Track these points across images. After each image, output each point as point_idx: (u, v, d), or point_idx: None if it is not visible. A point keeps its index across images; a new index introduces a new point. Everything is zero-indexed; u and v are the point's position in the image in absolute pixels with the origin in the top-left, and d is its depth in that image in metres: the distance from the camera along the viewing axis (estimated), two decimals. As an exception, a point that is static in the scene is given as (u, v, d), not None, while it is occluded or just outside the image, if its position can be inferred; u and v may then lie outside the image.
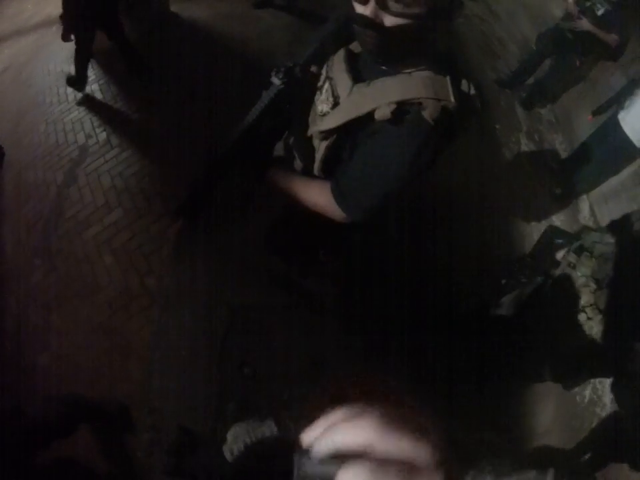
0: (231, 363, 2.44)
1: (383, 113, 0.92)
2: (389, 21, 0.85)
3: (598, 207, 3.35)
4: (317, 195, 1.15)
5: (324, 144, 1.10)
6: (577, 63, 3.39)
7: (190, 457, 1.03)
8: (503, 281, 2.63)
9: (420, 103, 0.91)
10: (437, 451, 0.33)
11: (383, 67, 0.99)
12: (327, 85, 1.08)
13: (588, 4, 3.16)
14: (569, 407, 2.45)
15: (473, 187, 3.21)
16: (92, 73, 3.63)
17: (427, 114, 0.90)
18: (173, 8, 4.08)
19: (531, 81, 3.90)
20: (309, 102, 1.16)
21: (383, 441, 0.32)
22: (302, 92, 1.14)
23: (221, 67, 3.60)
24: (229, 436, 0.61)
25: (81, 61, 3.36)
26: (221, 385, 2.38)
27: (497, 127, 3.78)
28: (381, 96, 0.94)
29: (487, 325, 2.44)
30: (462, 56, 4.20)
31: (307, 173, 1.23)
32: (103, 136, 3.31)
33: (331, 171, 1.15)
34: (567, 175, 3.37)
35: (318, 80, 1.13)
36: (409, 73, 0.96)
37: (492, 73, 4.11)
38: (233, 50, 3.83)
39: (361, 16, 0.86)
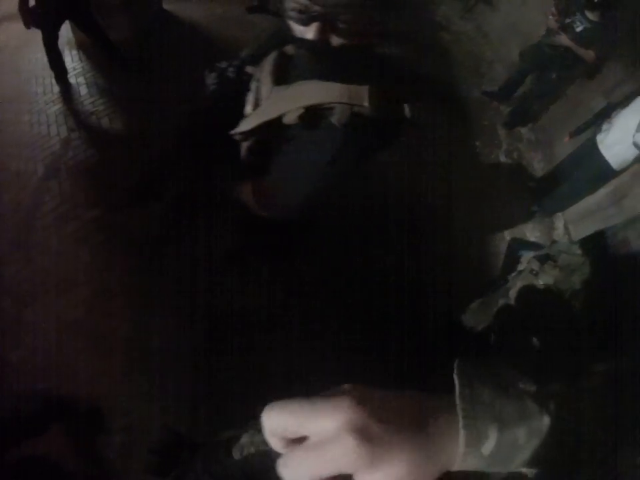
0: (210, 366, 2.42)
1: (290, 118, 0.91)
2: (336, 41, 0.84)
3: (573, 225, 3.45)
4: (245, 194, 1.18)
5: (244, 145, 1.10)
6: (553, 76, 3.50)
7: (174, 457, 1.02)
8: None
9: (331, 108, 0.89)
10: (343, 412, 0.33)
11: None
12: (253, 86, 1.08)
13: (568, 21, 3.29)
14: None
15: (451, 203, 3.27)
16: (79, 65, 3.59)
17: (335, 119, 0.88)
18: (167, 7, 4.06)
19: (514, 99, 4.02)
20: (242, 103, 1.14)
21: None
22: (236, 93, 1.14)
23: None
24: (244, 438, 0.61)
25: (50, 52, 3.30)
26: (198, 388, 2.36)
27: (478, 143, 3.87)
28: (294, 100, 0.93)
29: (456, 337, 2.44)
30: (447, 73, 4.31)
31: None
32: (86, 131, 3.28)
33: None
34: (544, 193, 3.47)
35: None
36: None
37: (477, 92, 4.21)
38: (226, 52, 3.81)
39: (302, 40, 0.86)
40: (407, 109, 0.96)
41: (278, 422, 0.35)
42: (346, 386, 0.36)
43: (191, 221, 2.81)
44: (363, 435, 0.32)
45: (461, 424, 0.34)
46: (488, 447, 0.34)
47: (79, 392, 2.28)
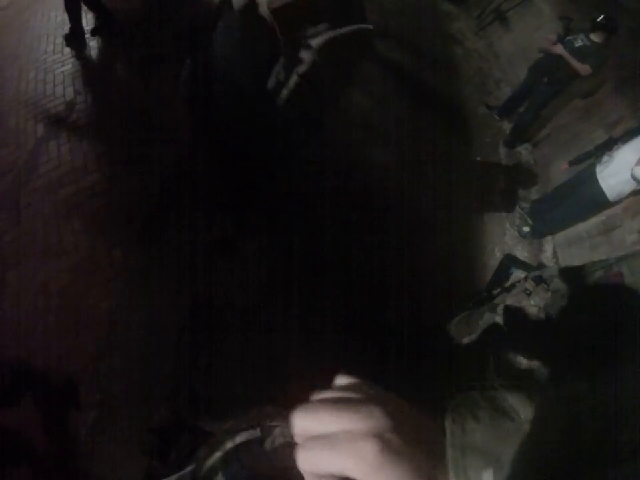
0: (187, 351, 2.38)
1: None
2: None
3: (561, 249, 3.53)
4: None
5: None
6: (544, 80, 3.57)
7: (173, 439, 0.99)
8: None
9: None
10: (373, 420, 0.33)
11: None
12: None
13: (568, 38, 3.41)
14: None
15: (445, 218, 3.31)
16: (93, 26, 3.46)
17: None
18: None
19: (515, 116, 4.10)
20: None
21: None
22: None
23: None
24: (276, 431, 0.61)
25: (71, 11, 3.20)
26: (174, 370, 2.31)
27: (478, 159, 3.92)
28: None
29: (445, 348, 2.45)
30: (455, 88, 4.36)
31: None
32: (92, 96, 3.17)
33: None
34: (537, 216, 3.55)
35: None
36: None
37: (482, 109, 4.27)
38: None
39: None
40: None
41: (307, 425, 0.35)
42: (375, 394, 0.37)
43: (187, 200, 2.79)
44: (386, 443, 0.32)
45: (450, 474, 0.33)
46: None
47: (54, 364, 2.22)
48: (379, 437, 0.32)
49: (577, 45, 3.36)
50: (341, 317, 2.53)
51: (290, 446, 0.58)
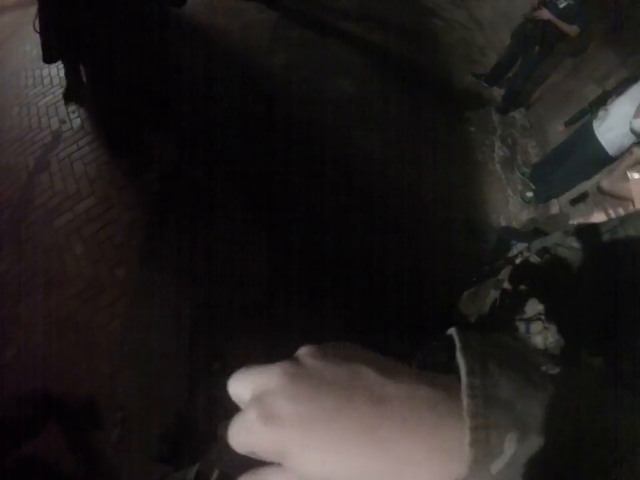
0: (200, 358, 2.40)
1: None
2: None
3: (568, 210, 3.46)
4: None
5: None
6: (535, 49, 3.49)
7: (185, 444, 1.00)
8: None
9: None
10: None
11: None
12: None
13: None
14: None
15: (445, 191, 3.27)
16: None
17: None
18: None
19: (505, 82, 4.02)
20: None
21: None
22: None
23: (203, 55, 3.57)
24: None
25: (69, 70, 3.15)
26: (190, 380, 2.34)
27: (472, 129, 3.85)
28: None
29: (450, 323, 2.43)
30: (441, 60, 4.29)
31: None
32: (77, 122, 3.22)
33: None
34: (538, 179, 3.48)
35: None
36: None
37: (470, 79, 4.19)
38: (214, 39, 3.80)
39: None
40: None
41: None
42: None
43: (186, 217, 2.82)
44: (301, 364, 0.28)
45: (468, 438, 0.25)
46: (499, 463, 0.24)
47: (72, 388, 2.27)
48: (294, 360, 0.29)
49: (560, 5, 3.29)
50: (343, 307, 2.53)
51: None
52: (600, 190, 2.63)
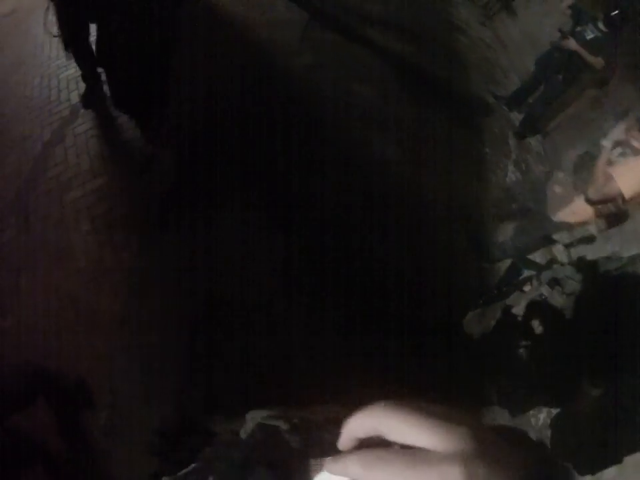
0: (204, 354, 2.39)
1: None
2: None
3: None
4: None
5: None
6: (559, 78, 3.52)
7: (181, 440, 1.00)
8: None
9: None
10: (459, 441, 0.29)
11: None
12: None
13: (579, 29, 3.35)
14: (524, 429, 2.52)
15: (454, 213, 3.28)
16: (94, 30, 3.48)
17: None
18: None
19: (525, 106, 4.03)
20: None
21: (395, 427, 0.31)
22: None
23: (226, 51, 3.55)
24: (248, 416, 0.60)
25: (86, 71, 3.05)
26: (188, 371, 2.33)
27: (487, 151, 3.86)
28: None
29: (453, 343, 2.43)
30: (463, 77, 4.29)
31: None
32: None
33: None
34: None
35: None
36: None
37: (491, 99, 4.20)
38: (242, 36, 3.79)
39: None
40: None
41: (377, 426, 0.31)
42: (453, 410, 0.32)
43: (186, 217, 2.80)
44: (472, 471, 0.28)
45: None
46: None
47: (67, 366, 2.25)
48: (466, 463, 0.28)
49: (588, 37, 3.30)
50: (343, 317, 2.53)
51: (261, 428, 0.58)
52: (589, 202, 2.62)
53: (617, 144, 2.44)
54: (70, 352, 2.31)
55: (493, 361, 2.22)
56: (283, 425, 0.56)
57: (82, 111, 3.07)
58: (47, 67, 3.30)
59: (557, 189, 2.72)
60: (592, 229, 2.71)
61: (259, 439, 0.57)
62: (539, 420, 2.53)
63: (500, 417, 2.44)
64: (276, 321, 2.51)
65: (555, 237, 2.78)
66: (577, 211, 2.58)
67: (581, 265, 2.58)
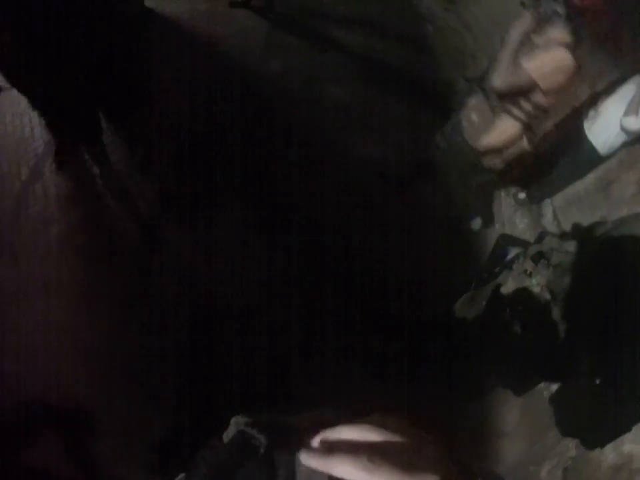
0: (197, 363, 2.41)
1: None
2: None
3: (561, 211, 3.45)
4: None
5: None
6: None
7: (175, 452, 1.00)
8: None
9: None
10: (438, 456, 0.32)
11: None
12: None
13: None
14: (537, 403, 2.50)
15: (437, 198, 3.27)
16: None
17: None
18: (148, 4, 4.02)
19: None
20: None
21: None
22: None
23: (195, 64, 3.59)
24: (232, 420, 0.62)
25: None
26: (187, 386, 2.33)
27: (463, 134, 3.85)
28: None
29: (449, 330, 2.41)
30: (431, 67, 4.31)
31: None
32: (70, 131, 3.20)
33: None
34: (530, 181, 3.49)
35: None
36: None
37: (462, 84, 4.21)
38: (208, 48, 3.83)
39: None
40: None
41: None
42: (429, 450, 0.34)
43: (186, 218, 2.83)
44: None
45: None
46: None
47: (67, 396, 2.26)
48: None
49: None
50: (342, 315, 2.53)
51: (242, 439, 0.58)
52: (624, 129, 2.60)
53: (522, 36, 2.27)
54: (69, 383, 2.32)
55: (489, 343, 2.20)
56: (256, 434, 0.56)
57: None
58: (17, 106, 3.28)
59: (474, 117, 2.54)
60: (524, 144, 2.53)
61: (238, 444, 0.58)
62: (551, 392, 2.50)
63: (507, 398, 2.43)
64: (276, 322, 2.52)
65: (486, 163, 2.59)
66: (502, 128, 2.40)
67: (569, 234, 2.56)
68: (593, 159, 2.98)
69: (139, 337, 2.46)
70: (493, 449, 2.45)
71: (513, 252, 2.61)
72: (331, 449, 0.33)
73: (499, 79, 2.10)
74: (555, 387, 2.43)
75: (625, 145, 2.86)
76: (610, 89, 2.93)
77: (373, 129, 3.53)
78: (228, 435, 0.60)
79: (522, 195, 3.51)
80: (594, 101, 3.04)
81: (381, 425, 0.33)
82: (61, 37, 2.03)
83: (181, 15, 4.05)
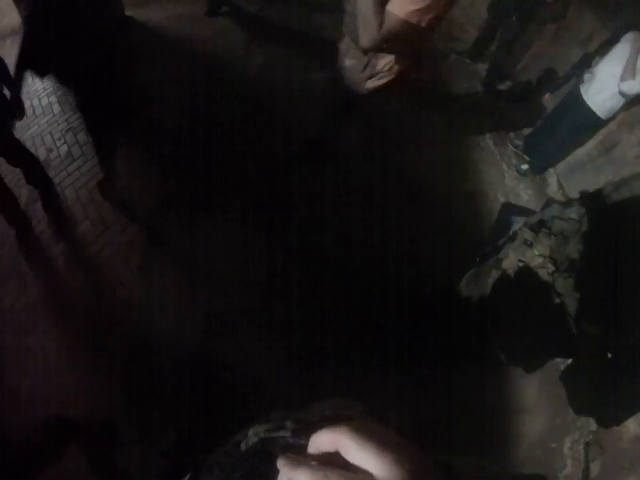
0: (209, 368, 2.43)
1: None
2: None
3: (565, 179, 3.41)
4: None
5: None
6: (513, 18, 3.41)
7: (183, 458, 1.01)
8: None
9: None
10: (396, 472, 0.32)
11: None
12: None
13: None
14: (555, 377, 2.48)
15: (440, 173, 3.23)
16: (49, 84, 3.53)
17: None
18: (128, 12, 3.99)
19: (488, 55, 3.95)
20: None
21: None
22: None
23: (180, 67, 3.57)
24: (250, 431, 0.62)
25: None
26: (201, 390, 2.36)
27: (459, 106, 3.79)
28: None
29: (453, 307, 2.39)
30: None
31: None
32: (64, 149, 3.24)
33: None
34: (532, 150, 3.43)
35: None
36: None
37: (453, 56, 4.13)
38: (192, 50, 3.80)
39: None
40: None
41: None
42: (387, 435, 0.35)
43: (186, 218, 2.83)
44: None
45: None
46: None
47: (89, 410, 2.30)
48: None
49: None
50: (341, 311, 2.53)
51: (262, 442, 0.59)
52: (622, 94, 2.58)
53: None
54: (90, 398, 2.36)
55: (495, 321, 2.16)
56: (285, 433, 0.57)
57: (51, 164, 3.11)
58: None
59: (348, 62, 2.29)
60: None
61: (256, 450, 0.58)
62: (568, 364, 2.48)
63: (524, 374, 2.41)
64: (275, 323, 2.53)
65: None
66: (384, 64, 2.08)
67: (573, 201, 2.51)
68: (593, 122, 2.93)
69: (151, 347, 2.48)
70: (513, 425, 2.45)
71: (518, 222, 2.57)
72: (299, 458, 0.35)
73: (368, 37, 1.72)
74: (570, 361, 2.42)
75: (625, 107, 2.79)
76: (602, 50, 2.86)
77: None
78: (247, 443, 0.60)
79: (524, 166, 3.46)
80: (587, 62, 2.97)
81: (358, 430, 0.34)
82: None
83: (161, 20, 4.03)
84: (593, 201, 2.07)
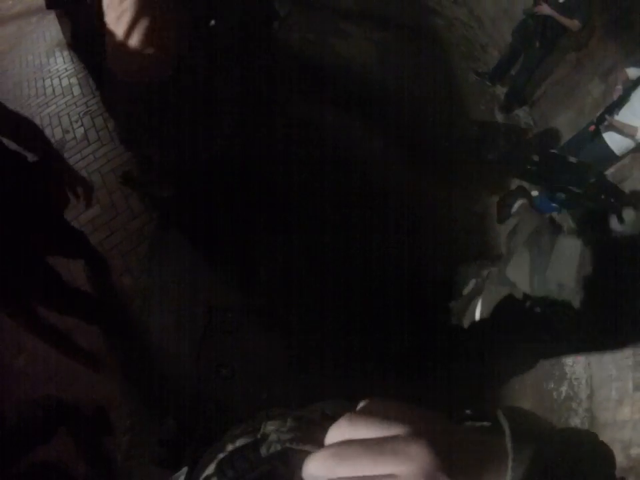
0: (209, 363, 2.42)
1: None
2: None
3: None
4: None
5: None
6: (537, 45, 3.46)
7: (182, 448, 1.01)
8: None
9: None
10: (419, 461, 0.29)
11: None
12: None
13: None
14: (546, 404, 2.51)
15: (446, 192, 3.27)
16: (71, 66, 3.54)
17: None
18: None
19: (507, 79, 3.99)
20: None
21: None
22: None
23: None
24: (273, 433, 0.61)
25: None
26: (199, 386, 2.36)
27: (475, 129, 3.83)
28: None
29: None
30: (443, 59, 4.26)
31: None
32: (80, 131, 3.23)
33: None
34: (544, 177, 3.45)
35: None
36: None
37: (473, 77, 4.17)
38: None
39: None
40: None
41: (335, 470, 0.30)
42: (416, 423, 0.32)
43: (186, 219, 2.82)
44: (435, 443, 0.29)
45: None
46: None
47: (82, 394, 2.29)
48: (432, 436, 0.30)
49: (560, 0, 3.24)
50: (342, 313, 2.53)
51: (285, 453, 0.58)
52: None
53: None
54: (86, 380, 2.35)
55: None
56: (311, 449, 0.55)
57: (67, 145, 3.12)
58: (27, 107, 3.32)
59: None
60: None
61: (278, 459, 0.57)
62: (561, 394, 2.49)
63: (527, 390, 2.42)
64: (275, 323, 2.53)
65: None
66: None
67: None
68: (607, 157, 3.00)
69: (151, 338, 2.48)
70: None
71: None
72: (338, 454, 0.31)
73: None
74: (564, 387, 2.46)
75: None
76: (623, 95, 2.89)
77: (374, 125, 3.50)
78: (268, 448, 0.59)
79: (534, 193, 3.48)
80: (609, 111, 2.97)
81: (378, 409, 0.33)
82: None
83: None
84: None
